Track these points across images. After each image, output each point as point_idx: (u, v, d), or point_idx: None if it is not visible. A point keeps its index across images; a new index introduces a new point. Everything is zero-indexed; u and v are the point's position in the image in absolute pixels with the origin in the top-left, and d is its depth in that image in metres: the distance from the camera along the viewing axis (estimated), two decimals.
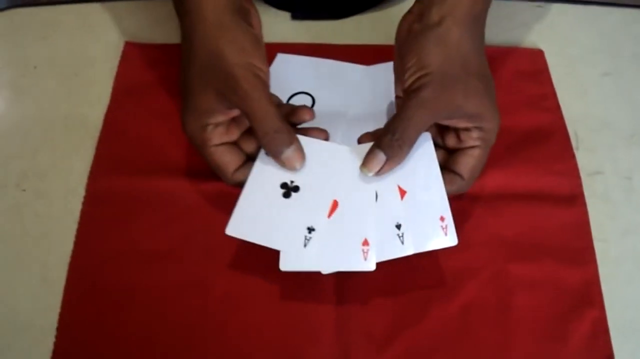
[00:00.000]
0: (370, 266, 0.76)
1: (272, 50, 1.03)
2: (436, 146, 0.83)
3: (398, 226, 0.78)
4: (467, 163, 0.81)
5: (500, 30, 1.09)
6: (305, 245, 0.77)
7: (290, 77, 1.01)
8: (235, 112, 0.80)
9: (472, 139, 0.80)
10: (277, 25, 1.08)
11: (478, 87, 0.79)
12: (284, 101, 0.95)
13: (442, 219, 0.78)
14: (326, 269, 0.78)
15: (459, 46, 0.79)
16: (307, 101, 0.97)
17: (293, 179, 0.81)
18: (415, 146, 0.79)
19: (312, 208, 0.79)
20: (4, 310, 0.82)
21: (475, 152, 0.81)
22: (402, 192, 0.80)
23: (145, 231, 0.87)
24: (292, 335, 0.80)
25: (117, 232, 0.87)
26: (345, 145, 0.83)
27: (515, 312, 0.82)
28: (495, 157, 0.90)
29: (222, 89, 0.77)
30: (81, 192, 0.90)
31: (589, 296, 0.83)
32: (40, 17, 1.12)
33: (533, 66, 1.04)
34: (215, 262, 0.84)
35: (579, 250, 0.86)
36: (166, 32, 1.07)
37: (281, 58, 1.03)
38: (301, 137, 0.81)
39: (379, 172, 0.78)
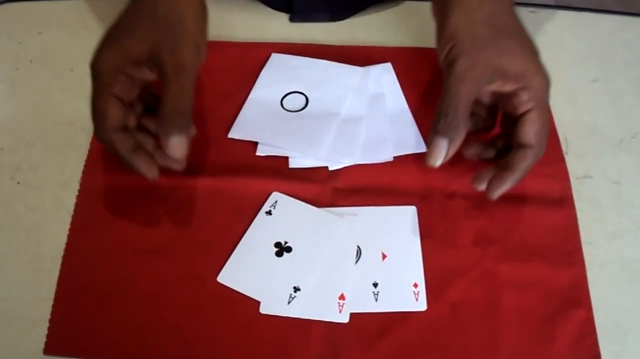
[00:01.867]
0: (344, 319, 0.80)
1: (268, 50, 1.05)
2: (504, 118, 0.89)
3: (375, 284, 0.83)
4: (530, 130, 0.81)
5: None
6: (289, 302, 0.81)
7: (283, 77, 1.01)
8: (151, 77, 0.82)
9: (523, 102, 0.80)
10: (272, 25, 1.09)
11: (510, 45, 0.80)
12: (278, 100, 0.98)
13: (415, 285, 0.83)
14: (304, 317, 0.81)
15: (480, 8, 0.80)
16: (300, 101, 0.98)
17: (287, 240, 0.85)
18: (400, 220, 0.88)
19: (301, 269, 0.83)
20: None
21: (533, 115, 0.81)
22: (384, 256, 0.85)
23: (138, 226, 0.87)
24: (282, 333, 0.80)
25: (111, 226, 0.87)
26: (333, 214, 0.88)
27: (504, 312, 0.82)
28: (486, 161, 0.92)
29: (161, 46, 0.78)
30: (75, 185, 0.90)
31: (577, 297, 0.84)
32: (35, 12, 1.12)
33: None
34: (208, 258, 0.85)
35: (567, 252, 0.87)
36: None
37: (275, 58, 1.03)
38: (299, 203, 0.89)
39: (446, 158, 0.80)
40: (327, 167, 0.92)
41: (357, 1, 1.12)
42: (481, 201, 0.89)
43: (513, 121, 0.84)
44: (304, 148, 0.92)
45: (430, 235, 0.87)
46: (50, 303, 0.81)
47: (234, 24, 1.10)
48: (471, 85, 0.78)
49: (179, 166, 0.84)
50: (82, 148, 0.93)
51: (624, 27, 1.14)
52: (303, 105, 0.98)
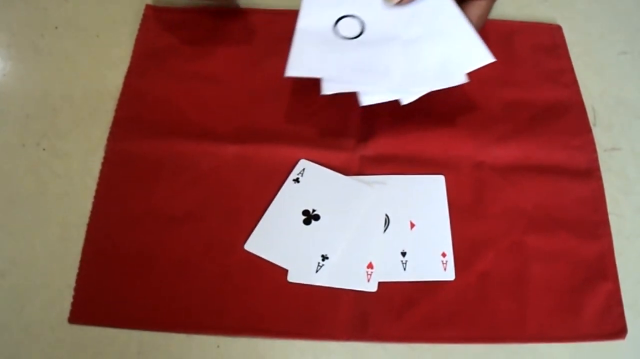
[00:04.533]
0: (372, 288, 0.81)
1: (295, 18, 0.99)
2: None
3: (403, 254, 0.83)
4: (475, 13, 0.88)
5: (520, 4, 1.09)
6: (317, 271, 0.81)
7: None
8: None
9: None
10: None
11: None
12: (331, 26, 0.90)
13: (443, 255, 0.83)
14: (332, 285, 0.81)
15: None
16: (355, 26, 0.90)
17: (315, 208, 0.85)
18: (428, 189, 0.88)
19: (329, 238, 0.83)
20: (23, 268, 0.83)
21: (483, 3, 0.88)
22: (412, 225, 0.85)
23: (164, 193, 0.87)
24: (311, 301, 0.80)
25: (137, 193, 0.87)
26: (361, 182, 0.88)
27: (531, 283, 0.82)
28: (514, 130, 0.92)
29: None
30: (100, 153, 0.90)
31: (604, 269, 0.84)
32: None
33: (551, 41, 1.05)
34: (235, 226, 0.85)
35: (594, 224, 0.87)
36: None
37: None
38: (327, 171, 0.88)
39: (398, 4, 0.87)
40: (355, 135, 0.92)
41: None
42: (509, 172, 0.90)
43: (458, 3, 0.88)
44: (374, 80, 0.85)
45: (458, 205, 0.87)
46: (76, 270, 0.82)
47: None
48: None
49: None
50: (108, 115, 0.93)
51: None
52: (360, 30, 0.90)
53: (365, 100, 0.83)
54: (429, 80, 0.85)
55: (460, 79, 0.84)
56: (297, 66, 0.83)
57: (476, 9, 0.89)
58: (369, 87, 0.83)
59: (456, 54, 0.86)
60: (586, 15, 1.09)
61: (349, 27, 0.89)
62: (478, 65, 0.84)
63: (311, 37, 0.87)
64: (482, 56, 0.85)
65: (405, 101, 0.83)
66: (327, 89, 0.81)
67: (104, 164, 0.89)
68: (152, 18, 1.03)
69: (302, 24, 0.88)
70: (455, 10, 0.88)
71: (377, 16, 0.90)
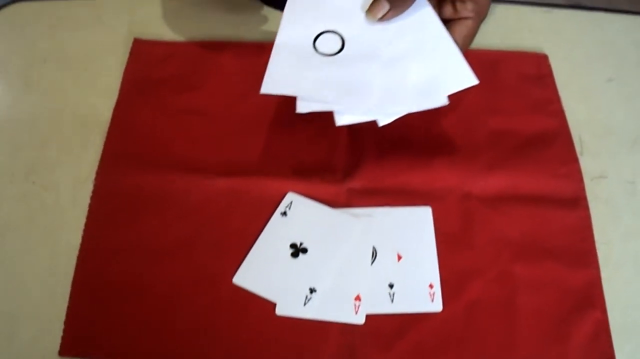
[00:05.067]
0: (360, 320, 0.81)
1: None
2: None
3: (391, 285, 0.83)
4: (461, 32, 0.87)
5: (507, 34, 1.10)
6: (305, 304, 0.81)
7: (311, 13, 0.90)
8: None
9: (466, 10, 0.86)
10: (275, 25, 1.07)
11: None
12: (310, 42, 0.88)
13: (431, 286, 0.84)
14: (320, 318, 0.81)
15: None
16: (335, 42, 0.88)
17: (303, 241, 0.85)
18: (415, 220, 0.88)
19: (317, 270, 0.84)
20: (13, 299, 0.83)
21: (469, 23, 0.87)
22: (399, 257, 0.85)
23: (153, 226, 0.87)
24: (299, 334, 0.80)
25: (126, 226, 0.87)
26: (348, 215, 0.88)
27: (519, 312, 0.83)
28: (501, 159, 0.93)
29: None
30: (89, 185, 0.90)
31: (591, 297, 0.84)
32: (48, 11, 1.12)
33: (537, 70, 1.05)
34: (223, 259, 0.85)
35: (581, 252, 0.87)
36: (175, 28, 1.08)
37: None
38: (314, 203, 0.88)
39: (381, 19, 0.85)
40: (342, 167, 0.93)
41: None
42: (496, 201, 0.90)
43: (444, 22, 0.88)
44: (349, 99, 0.81)
45: (445, 236, 0.87)
46: (66, 302, 0.82)
47: (249, 23, 1.11)
48: None
49: None
50: (97, 147, 0.94)
51: (637, 26, 1.14)
52: (339, 47, 0.88)
53: (340, 120, 0.80)
54: (407, 101, 0.82)
55: (441, 100, 0.82)
56: (273, 84, 0.81)
57: (463, 28, 0.88)
58: (344, 106, 0.81)
59: (439, 75, 0.84)
60: (572, 43, 1.10)
61: (328, 43, 0.87)
62: (461, 88, 0.83)
63: (289, 53, 0.85)
64: (466, 78, 0.83)
65: (382, 122, 0.81)
66: (302, 108, 0.80)
67: (93, 197, 0.89)
68: (140, 51, 1.04)
69: (281, 39, 0.86)
70: (441, 28, 0.87)
71: (358, 32, 0.89)
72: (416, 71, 0.84)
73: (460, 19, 0.88)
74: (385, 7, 0.85)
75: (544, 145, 0.96)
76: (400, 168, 0.93)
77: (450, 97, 0.83)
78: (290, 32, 0.87)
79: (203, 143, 0.93)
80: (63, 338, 0.80)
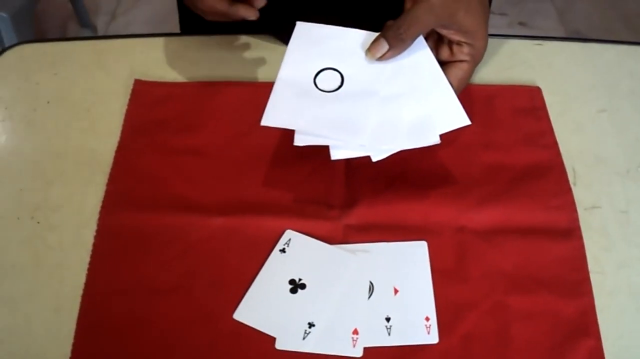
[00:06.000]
0: (358, 353, 0.82)
1: None
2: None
3: (388, 319, 0.84)
4: (457, 75, 0.92)
5: (500, 68, 1.12)
6: (304, 338, 0.82)
7: (313, 51, 0.95)
8: None
9: (463, 53, 0.92)
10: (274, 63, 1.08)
11: (477, 8, 0.90)
12: (311, 79, 0.92)
13: (427, 319, 0.85)
14: (319, 352, 0.82)
15: None
16: (334, 79, 0.92)
17: (301, 277, 0.87)
18: (411, 255, 0.89)
19: (315, 305, 0.85)
20: (18, 339, 0.84)
21: (465, 66, 0.92)
22: (396, 291, 0.87)
23: (155, 265, 0.89)
24: None
25: (129, 265, 0.89)
26: (345, 251, 0.90)
27: (514, 343, 0.83)
28: (495, 193, 0.94)
29: None
30: (93, 225, 0.92)
31: (586, 326, 0.85)
32: (51, 53, 1.15)
33: (531, 103, 1.07)
34: (224, 296, 0.86)
35: (575, 282, 0.88)
36: (176, 69, 1.10)
37: (302, 28, 0.96)
38: (312, 240, 0.90)
39: (380, 59, 0.90)
40: (339, 204, 0.94)
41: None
42: (490, 234, 0.92)
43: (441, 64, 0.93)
44: (344, 135, 0.87)
45: (441, 269, 0.88)
46: (71, 340, 0.83)
47: (248, 63, 1.13)
48: (434, 20, 0.88)
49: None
50: (100, 188, 0.95)
51: (629, 56, 1.16)
52: (339, 84, 0.92)
53: (335, 154, 0.86)
54: (400, 139, 0.87)
55: (433, 139, 0.86)
56: (273, 116, 0.87)
57: (458, 71, 0.93)
58: (339, 141, 0.86)
59: (432, 114, 0.88)
60: (565, 75, 1.12)
61: (328, 80, 0.92)
62: (453, 128, 0.87)
63: (290, 88, 0.90)
64: (459, 118, 0.88)
65: (375, 157, 0.86)
66: (299, 141, 0.85)
67: (96, 237, 0.91)
68: (142, 92, 1.06)
69: (283, 74, 0.91)
70: (437, 69, 0.91)
71: (357, 70, 0.93)
72: (411, 109, 0.89)
73: (456, 61, 0.92)
74: (384, 47, 0.89)
75: (537, 177, 0.97)
76: (396, 204, 0.94)
77: (445, 133, 0.85)
78: (293, 67, 0.91)
79: (202, 183, 0.95)
80: None
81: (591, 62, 1.14)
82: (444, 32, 0.91)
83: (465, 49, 0.92)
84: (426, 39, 0.94)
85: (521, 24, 2.23)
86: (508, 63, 1.13)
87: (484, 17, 0.91)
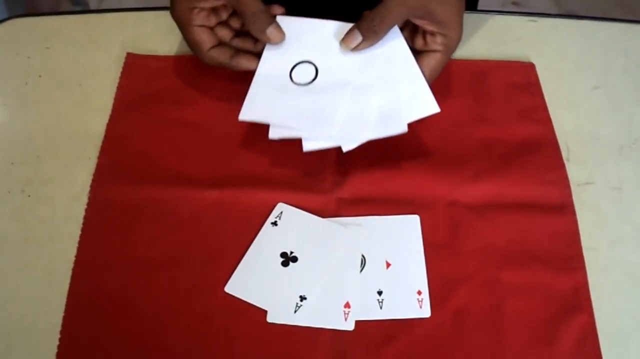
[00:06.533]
0: (349, 327, 0.82)
1: None
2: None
3: (379, 292, 0.85)
4: (429, 64, 0.94)
5: (494, 43, 1.12)
6: (295, 311, 0.83)
7: (290, 45, 0.96)
8: (219, 2, 0.94)
9: (436, 43, 0.94)
10: None
11: (451, 0, 0.92)
12: (287, 73, 0.95)
13: (419, 293, 0.85)
14: (310, 325, 0.82)
15: None
16: (310, 72, 0.95)
17: (293, 250, 0.87)
18: (403, 229, 0.90)
19: (306, 279, 0.85)
20: (8, 312, 0.84)
21: (437, 56, 0.94)
22: (388, 265, 0.87)
23: (147, 238, 0.89)
24: (290, 341, 0.82)
25: (120, 238, 0.89)
26: (337, 224, 0.90)
27: (507, 317, 0.83)
28: (488, 167, 0.94)
29: None
30: (84, 199, 0.92)
31: (578, 301, 0.85)
32: (43, 27, 1.14)
33: (524, 79, 1.07)
34: (215, 269, 0.86)
35: (568, 257, 0.88)
36: (168, 43, 1.09)
37: (280, 21, 0.96)
38: (304, 213, 0.90)
39: (354, 49, 0.93)
40: (331, 177, 0.94)
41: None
42: (483, 209, 0.92)
43: (413, 52, 0.95)
44: (315, 127, 0.90)
45: (433, 243, 0.88)
46: (61, 313, 0.83)
47: None
48: (406, 11, 0.91)
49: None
50: (92, 161, 0.95)
51: (623, 34, 1.15)
52: (313, 77, 0.95)
53: (307, 146, 0.88)
54: (368, 129, 0.89)
55: (400, 128, 0.89)
56: (250, 111, 0.90)
57: (431, 60, 0.95)
58: (310, 133, 0.89)
59: (402, 102, 0.91)
60: (559, 52, 1.11)
61: (303, 73, 0.94)
62: (422, 115, 0.89)
63: (267, 83, 0.93)
64: (428, 106, 0.90)
65: (346, 147, 0.88)
66: (273, 134, 0.90)
67: (87, 210, 0.91)
68: (134, 66, 1.06)
69: (261, 69, 0.93)
70: (410, 58, 0.93)
71: (331, 62, 0.95)
72: (381, 99, 0.91)
73: (429, 51, 0.94)
74: (358, 38, 0.92)
75: (530, 152, 0.97)
76: (388, 177, 0.94)
77: (416, 120, 0.87)
78: (270, 62, 0.94)
79: (194, 156, 0.95)
80: (59, 347, 0.81)
81: (585, 40, 1.14)
82: (417, 22, 0.93)
83: (439, 39, 0.93)
84: (402, 28, 0.96)
85: (514, 3, 2.22)
86: (502, 39, 1.12)
87: (458, 9, 0.93)
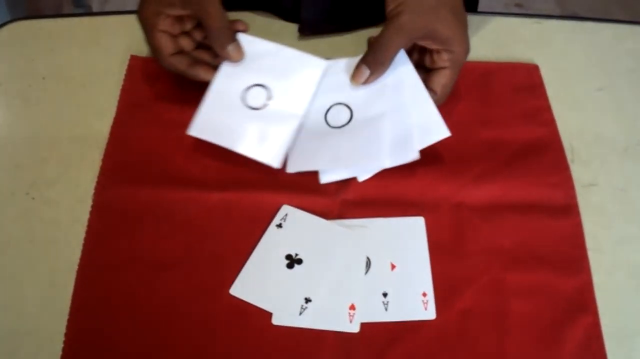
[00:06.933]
0: (354, 329, 0.82)
1: None
2: (418, 66, 0.96)
3: (385, 294, 0.85)
4: (439, 81, 0.94)
5: (498, 45, 1.12)
6: (300, 313, 0.83)
7: (246, 65, 0.97)
8: (186, 12, 0.93)
9: (442, 60, 0.94)
10: (281, 41, 1.08)
11: (448, 16, 0.92)
12: (239, 94, 0.96)
13: (424, 294, 0.85)
14: (315, 327, 0.82)
15: None
16: (261, 96, 0.96)
17: (298, 253, 0.87)
18: (408, 231, 0.90)
19: (311, 281, 0.85)
20: (13, 314, 0.84)
21: (447, 72, 0.94)
22: (393, 267, 0.87)
23: (151, 240, 0.89)
24: (295, 343, 0.81)
25: (124, 240, 0.89)
26: (342, 226, 0.90)
27: (512, 319, 0.83)
28: (493, 169, 0.94)
29: None
30: (88, 200, 0.91)
31: (583, 302, 0.85)
32: (47, 29, 1.14)
33: (529, 80, 1.06)
34: (220, 271, 0.86)
35: (573, 259, 0.88)
36: None
37: (242, 40, 0.97)
38: (308, 216, 0.90)
39: (364, 83, 0.95)
40: (335, 181, 0.94)
41: (366, 14, 1.13)
42: (488, 211, 0.91)
43: (424, 70, 0.96)
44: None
45: (438, 245, 0.88)
46: (66, 316, 0.83)
47: None
48: (405, 38, 0.92)
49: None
50: (96, 164, 0.95)
51: (627, 35, 1.15)
52: (265, 102, 0.96)
53: (324, 179, 0.94)
54: (383, 159, 0.91)
55: (413, 155, 0.91)
56: (200, 128, 0.92)
57: (440, 77, 0.95)
58: (255, 156, 0.92)
59: (413, 129, 0.92)
60: (563, 53, 1.11)
61: (256, 97, 0.96)
62: (434, 141, 0.90)
63: (220, 101, 0.94)
64: (439, 131, 0.91)
65: (362, 178, 0.94)
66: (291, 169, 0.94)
67: (92, 212, 0.91)
68: (138, 68, 1.06)
69: (216, 86, 0.95)
70: (418, 83, 0.95)
71: (286, 88, 0.97)
72: (394, 127, 0.93)
73: (438, 68, 0.93)
74: (366, 73, 0.94)
75: (535, 154, 0.97)
76: (393, 179, 0.93)
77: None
78: (226, 80, 0.95)
79: (199, 158, 0.95)
80: (64, 349, 0.81)
81: (589, 41, 1.14)
82: (421, 43, 0.94)
83: (445, 55, 0.93)
84: (411, 50, 0.97)
85: (518, 5, 2.22)
86: (506, 41, 1.12)
87: (458, 23, 0.93)
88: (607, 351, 0.82)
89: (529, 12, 1.14)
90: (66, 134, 0.99)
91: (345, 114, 0.96)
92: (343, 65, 0.98)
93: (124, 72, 1.05)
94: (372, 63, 0.93)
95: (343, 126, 0.95)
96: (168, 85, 1.02)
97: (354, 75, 0.95)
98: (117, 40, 1.09)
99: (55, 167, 0.96)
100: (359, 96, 0.96)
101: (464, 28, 0.94)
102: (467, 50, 0.94)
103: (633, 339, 0.83)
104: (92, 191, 0.92)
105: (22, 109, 1.03)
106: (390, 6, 0.92)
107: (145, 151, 0.96)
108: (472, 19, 1.04)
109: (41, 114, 1.02)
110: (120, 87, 1.04)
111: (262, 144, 0.92)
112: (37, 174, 0.95)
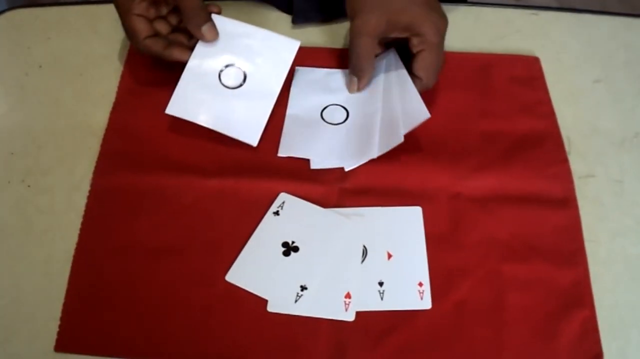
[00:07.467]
0: (350, 317, 0.82)
1: None
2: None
3: (380, 283, 0.84)
4: (420, 66, 0.95)
5: (496, 37, 1.11)
6: (296, 301, 0.83)
7: (223, 45, 0.98)
8: None
9: (415, 45, 0.94)
10: (276, 27, 1.08)
11: (399, 3, 0.93)
12: (216, 73, 0.97)
13: (420, 284, 0.85)
14: (310, 315, 0.82)
15: None
16: (238, 76, 0.97)
17: (294, 240, 0.87)
18: (405, 220, 0.90)
19: (307, 269, 0.85)
20: (9, 301, 0.84)
21: (424, 55, 0.94)
22: (389, 256, 0.86)
23: (148, 227, 0.89)
24: (290, 331, 0.81)
25: (121, 227, 0.89)
26: (339, 215, 0.90)
27: (508, 311, 0.83)
28: (491, 160, 0.94)
29: None
30: (84, 188, 0.91)
31: (580, 296, 0.85)
32: (44, 17, 1.13)
33: (528, 73, 1.06)
34: (217, 258, 0.86)
35: (570, 252, 0.88)
36: None
37: (216, 20, 0.97)
38: (306, 203, 0.90)
39: (359, 90, 1.00)
40: (334, 169, 0.94)
41: None
42: (485, 202, 0.91)
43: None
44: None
45: (435, 235, 0.88)
46: (61, 303, 0.83)
47: None
48: (367, 38, 0.94)
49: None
50: (92, 152, 0.95)
51: (624, 28, 1.15)
52: (241, 82, 0.97)
53: (314, 165, 0.95)
54: (373, 149, 0.93)
55: (398, 140, 0.91)
56: (177, 107, 0.94)
57: (420, 61, 0.95)
58: (237, 135, 0.94)
59: (398, 115, 0.93)
60: (560, 45, 1.11)
61: (232, 77, 0.97)
62: (416, 124, 0.90)
63: (196, 81, 0.95)
64: (419, 113, 0.91)
65: (348, 167, 0.94)
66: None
67: (89, 199, 0.91)
68: (137, 55, 1.05)
69: (192, 64, 0.96)
70: (403, 72, 0.97)
71: (259, 69, 0.98)
72: (383, 117, 0.95)
73: (416, 54, 0.94)
74: (354, 81, 1.00)
75: (533, 146, 0.97)
76: (391, 169, 0.93)
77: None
78: (201, 58, 0.96)
79: (197, 144, 0.95)
80: (59, 332, 0.81)
81: (586, 33, 1.14)
82: (393, 35, 0.96)
83: (414, 40, 0.94)
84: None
85: None
86: (503, 32, 1.12)
87: (416, 7, 0.93)
88: (602, 343, 0.82)
89: (527, 3, 1.13)
90: (62, 123, 0.99)
91: (342, 114, 0.98)
92: (340, 75, 1.04)
93: (121, 60, 1.06)
94: (354, 71, 0.98)
95: (339, 124, 0.97)
96: (167, 73, 1.01)
97: (349, 87, 1.01)
98: (114, 29, 1.08)
99: (52, 155, 0.96)
100: (354, 97, 1.00)
101: (426, 8, 0.94)
102: (438, 28, 0.94)
103: (629, 331, 0.83)
104: (88, 179, 0.92)
105: (18, 97, 1.03)
106: (347, 10, 0.97)
107: (143, 138, 0.96)
108: (469, 10, 1.04)
109: (37, 103, 1.02)
110: (117, 75, 1.03)
111: (239, 123, 0.94)
112: (33, 162, 0.95)
